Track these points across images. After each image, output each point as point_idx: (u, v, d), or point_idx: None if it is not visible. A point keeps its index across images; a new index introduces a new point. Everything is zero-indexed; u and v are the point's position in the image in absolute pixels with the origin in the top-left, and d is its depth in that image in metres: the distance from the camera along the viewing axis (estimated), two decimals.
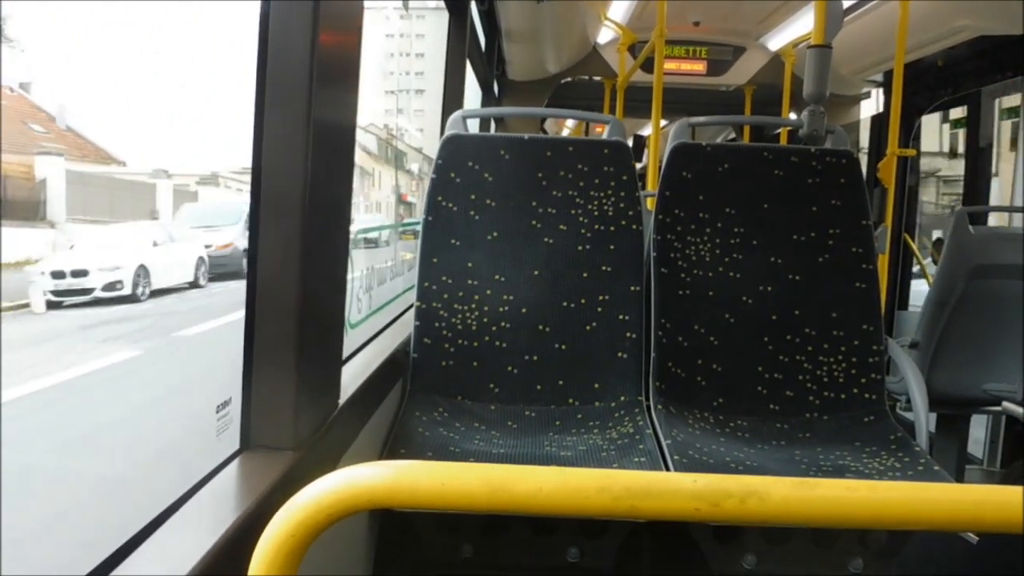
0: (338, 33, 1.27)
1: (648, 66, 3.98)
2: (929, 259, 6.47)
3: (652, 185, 3.66)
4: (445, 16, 3.40)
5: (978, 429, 3.69)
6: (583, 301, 2.12)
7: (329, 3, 1.19)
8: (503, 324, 2.11)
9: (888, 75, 4.17)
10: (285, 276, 1.19)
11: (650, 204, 2.62)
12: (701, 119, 2.48)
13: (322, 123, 1.21)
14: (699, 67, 5.03)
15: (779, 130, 5.39)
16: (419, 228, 2.14)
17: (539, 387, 2.09)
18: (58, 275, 4.75)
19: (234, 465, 1.13)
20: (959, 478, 3.31)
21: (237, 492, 1.07)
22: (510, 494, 0.72)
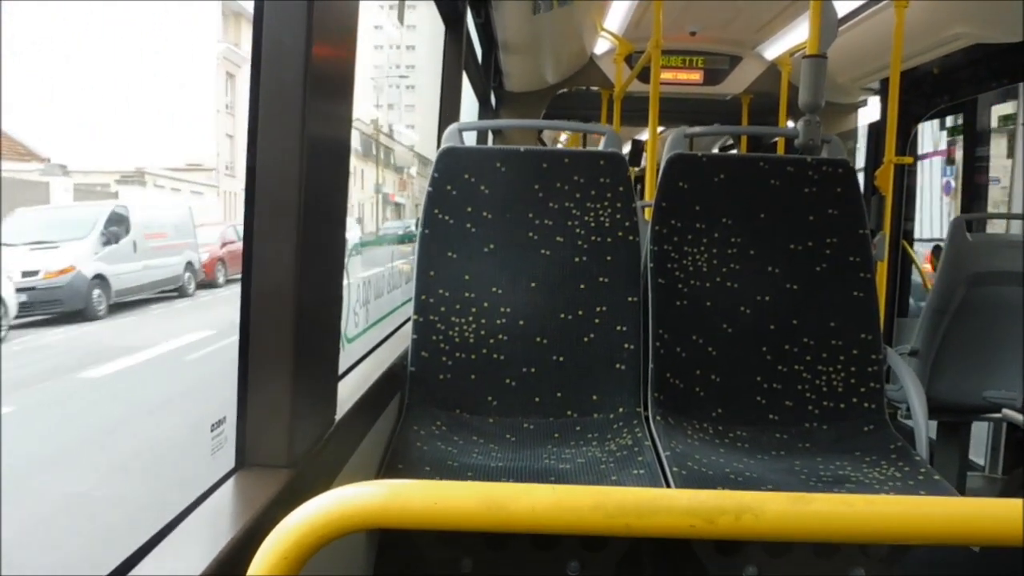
0: (332, 44, 1.27)
1: (645, 76, 3.99)
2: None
3: (650, 195, 3.66)
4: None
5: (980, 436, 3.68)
6: (580, 312, 2.12)
7: (323, 13, 1.19)
8: (501, 336, 2.11)
9: (885, 83, 4.18)
10: (280, 291, 1.19)
11: (648, 214, 2.62)
12: (697, 129, 2.48)
13: (316, 135, 1.21)
14: (696, 76, 5.04)
15: (776, 138, 5.40)
16: (415, 240, 2.14)
17: (537, 399, 2.09)
18: None
19: (229, 484, 1.12)
20: (960, 486, 3.30)
21: (233, 511, 1.06)
22: (505, 512, 0.72)
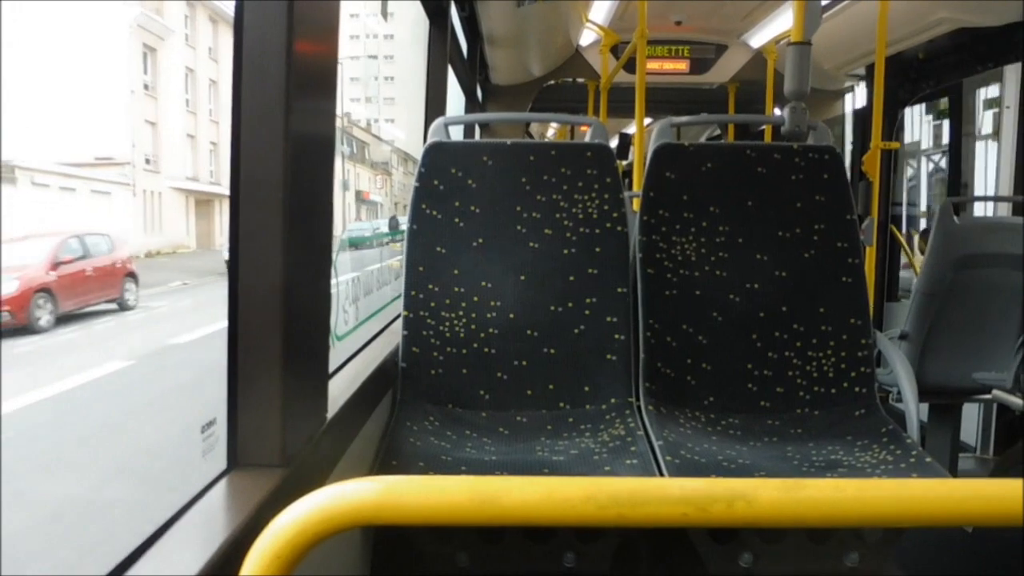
0: (314, 42, 1.26)
1: (631, 66, 3.99)
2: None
3: (637, 186, 3.66)
4: None
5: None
6: (570, 304, 2.12)
7: (304, 11, 1.18)
8: (491, 330, 2.11)
9: (870, 69, 4.19)
10: (268, 290, 1.18)
11: (636, 205, 2.62)
12: (684, 119, 2.48)
13: (300, 132, 1.21)
14: (682, 66, 5.05)
15: (763, 126, 5.41)
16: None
17: (529, 392, 2.09)
18: None
19: (222, 484, 1.12)
20: (952, 467, 3.32)
21: (226, 512, 1.06)
22: (498, 506, 0.72)
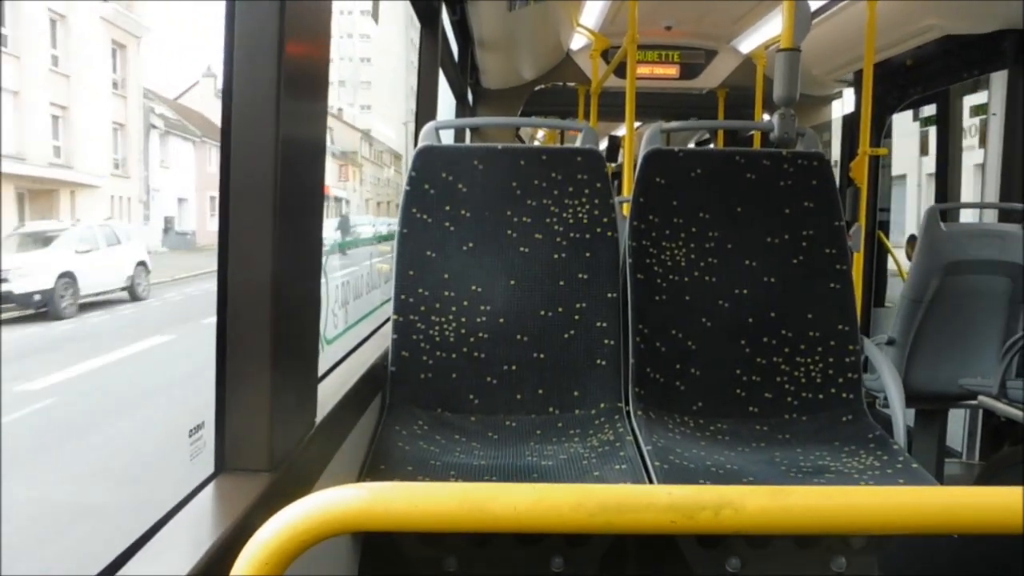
0: (306, 42, 1.26)
1: (621, 71, 4.00)
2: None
3: (627, 190, 3.67)
4: None
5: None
6: (560, 309, 2.12)
7: (296, 11, 1.18)
8: (481, 335, 2.11)
9: (858, 75, 4.22)
10: (257, 293, 1.18)
11: (626, 210, 2.62)
12: (674, 124, 2.49)
13: (291, 134, 1.20)
14: (672, 71, 5.06)
15: (752, 132, 5.43)
16: (394, 240, 2.14)
17: (519, 397, 2.09)
18: None
19: (209, 489, 1.11)
20: (938, 473, 3.34)
21: (213, 517, 1.05)
22: (486, 513, 0.72)
